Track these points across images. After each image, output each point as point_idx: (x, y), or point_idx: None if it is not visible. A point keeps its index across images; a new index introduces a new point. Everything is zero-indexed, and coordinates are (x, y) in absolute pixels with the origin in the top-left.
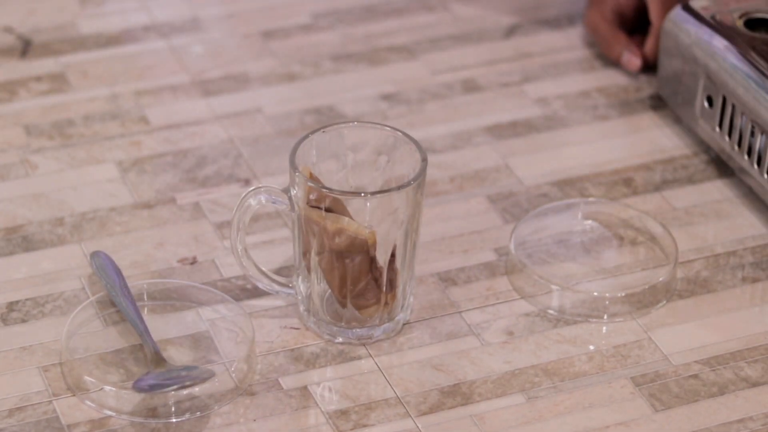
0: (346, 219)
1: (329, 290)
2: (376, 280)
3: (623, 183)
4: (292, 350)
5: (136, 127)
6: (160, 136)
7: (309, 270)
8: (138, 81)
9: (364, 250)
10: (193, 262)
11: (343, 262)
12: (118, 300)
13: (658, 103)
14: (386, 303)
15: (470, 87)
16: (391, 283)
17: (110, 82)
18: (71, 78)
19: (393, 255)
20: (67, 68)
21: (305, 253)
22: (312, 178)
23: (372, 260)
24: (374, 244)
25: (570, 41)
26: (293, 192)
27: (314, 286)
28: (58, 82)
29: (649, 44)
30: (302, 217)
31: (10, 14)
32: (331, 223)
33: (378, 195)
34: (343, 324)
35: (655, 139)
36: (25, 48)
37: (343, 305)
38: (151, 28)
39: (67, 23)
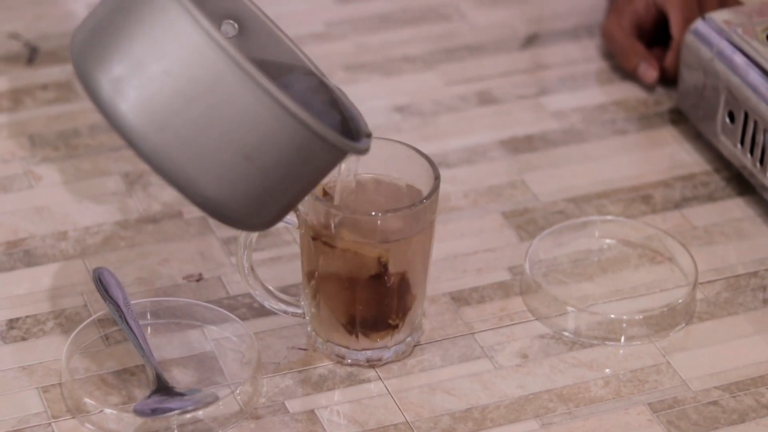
0: (356, 238)
1: (338, 307)
2: (387, 305)
3: (642, 200)
4: (299, 372)
5: None
6: None
7: (316, 290)
8: None
9: (375, 270)
10: (199, 279)
11: (352, 284)
12: (119, 318)
13: (677, 118)
14: (396, 327)
15: (485, 99)
16: (404, 306)
17: None
18: (78, 87)
19: (405, 278)
20: (75, 76)
21: (312, 273)
22: (325, 195)
23: (383, 281)
24: (386, 263)
25: (588, 53)
26: (301, 209)
27: (322, 306)
28: (65, 90)
29: (670, 57)
30: (309, 238)
31: (16, 20)
32: (341, 242)
33: (389, 214)
34: (352, 345)
35: (674, 154)
36: (32, 55)
37: (351, 332)
38: None
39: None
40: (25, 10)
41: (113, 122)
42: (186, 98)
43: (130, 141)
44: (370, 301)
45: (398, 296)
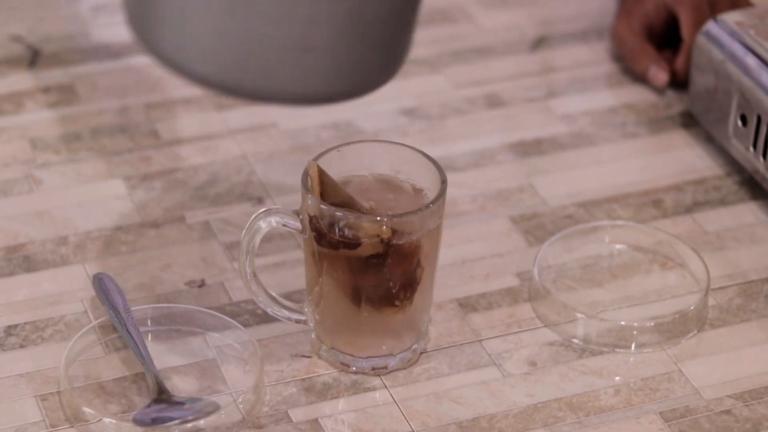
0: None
1: (342, 315)
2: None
3: (652, 204)
4: (303, 380)
5: (145, 142)
6: (171, 151)
7: (320, 297)
8: (149, 93)
9: (379, 247)
10: (201, 285)
11: (357, 262)
12: (119, 325)
13: (689, 121)
14: (401, 306)
15: (493, 102)
16: (410, 287)
17: (120, 95)
18: (80, 89)
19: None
20: (77, 79)
21: (316, 279)
22: (320, 173)
23: (388, 257)
24: (389, 238)
25: (598, 55)
26: (304, 214)
27: (326, 312)
28: (67, 93)
29: (680, 60)
30: (314, 242)
31: (19, 22)
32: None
33: (395, 218)
34: (356, 353)
35: (685, 158)
36: (34, 58)
37: (358, 304)
38: None
39: (78, 32)
40: (28, 12)
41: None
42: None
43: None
44: (377, 276)
45: (401, 273)
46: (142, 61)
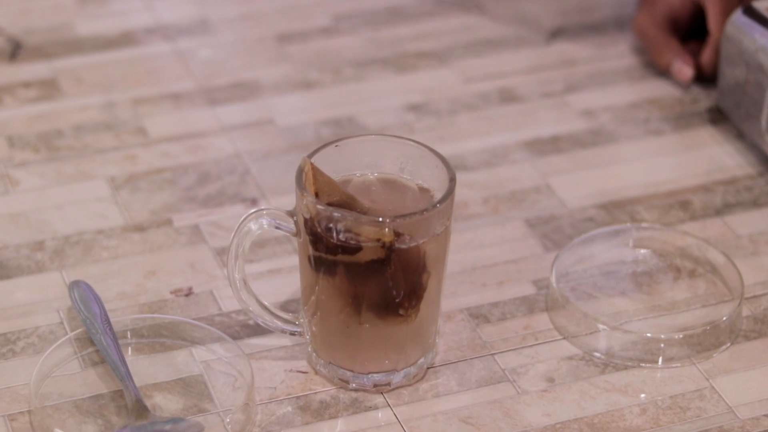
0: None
1: (340, 326)
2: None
3: (679, 206)
4: (298, 398)
5: (132, 140)
6: (159, 149)
7: (316, 307)
8: (137, 88)
9: (381, 251)
10: (188, 293)
11: (357, 269)
12: (97, 338)
13: (717, 117)
14: (407, 315)
15: (507, 97)
16: (416, 296)
17: (106, 89)
18: (63, 84)
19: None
20: (60, 73)
21: (312, 287)
22: (314, 170)
23: (391, 263)
24: (392, 242)
25: (618, 48)
26: (299, 215)
27: (324, 323)
28: (49, 88)
29: (707, 54)
30: (310, 247)
31: (1, 14)
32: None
33: (399, 219)
34: (356, 368)
35: (714, 156)
36: (15, 51)
37: (358, 314)
38: (155, 30)
39: (63, 24)
40: (9, 3)
41: None
42: None
43: None
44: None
45: (405, 280)
46: (129, 54)
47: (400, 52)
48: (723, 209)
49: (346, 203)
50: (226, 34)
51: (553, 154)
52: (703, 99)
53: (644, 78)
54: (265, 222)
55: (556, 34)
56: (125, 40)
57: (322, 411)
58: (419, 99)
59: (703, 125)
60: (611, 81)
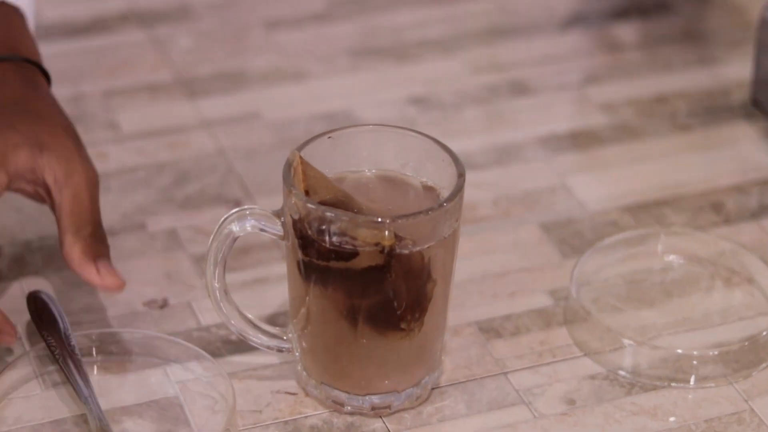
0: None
1: (334, 341)
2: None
3: (711, 208)
4: (286, 422)
5: (102, 135)
6: (132, 146)
7: (307, 320)
8: (109, 79)
9: (379, 257)
10: (163, 305)
11: (352, 276)
12: (57, 355)
13: (752, 111)
14: (409, 329)
15: (519, 89)
16: (420, 307)
17: (74, 81)
18: None
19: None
20: None
21: (301, 298)
22: (303, 165)
23: (391, 270)
24: (392, 246)
25: (641, 35)
26: (287, 216)
27: (315, 338)
28: None
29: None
30: (299, 252)
31: None
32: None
33: (400, 220)
34: (352, 389)
35: (748, 154)
36: None
37: (354, 328)
38: (129, 16)
39: None
40: None
41: None
42: None
43: None
44: (378, 290)
45: (408, 290)
46: (101, 42)
47: (401, 40)
48: (759, 212)
49: (341, 202)
50: (209, 21)
51: (570, 151)
52: (736, 91)
53: (670, 68)
54: (248, 224)
55: (573, 21)
56: (96, 27)
57: None
58: (422, 91)
59: (735, 120)
60: (633, 72)
